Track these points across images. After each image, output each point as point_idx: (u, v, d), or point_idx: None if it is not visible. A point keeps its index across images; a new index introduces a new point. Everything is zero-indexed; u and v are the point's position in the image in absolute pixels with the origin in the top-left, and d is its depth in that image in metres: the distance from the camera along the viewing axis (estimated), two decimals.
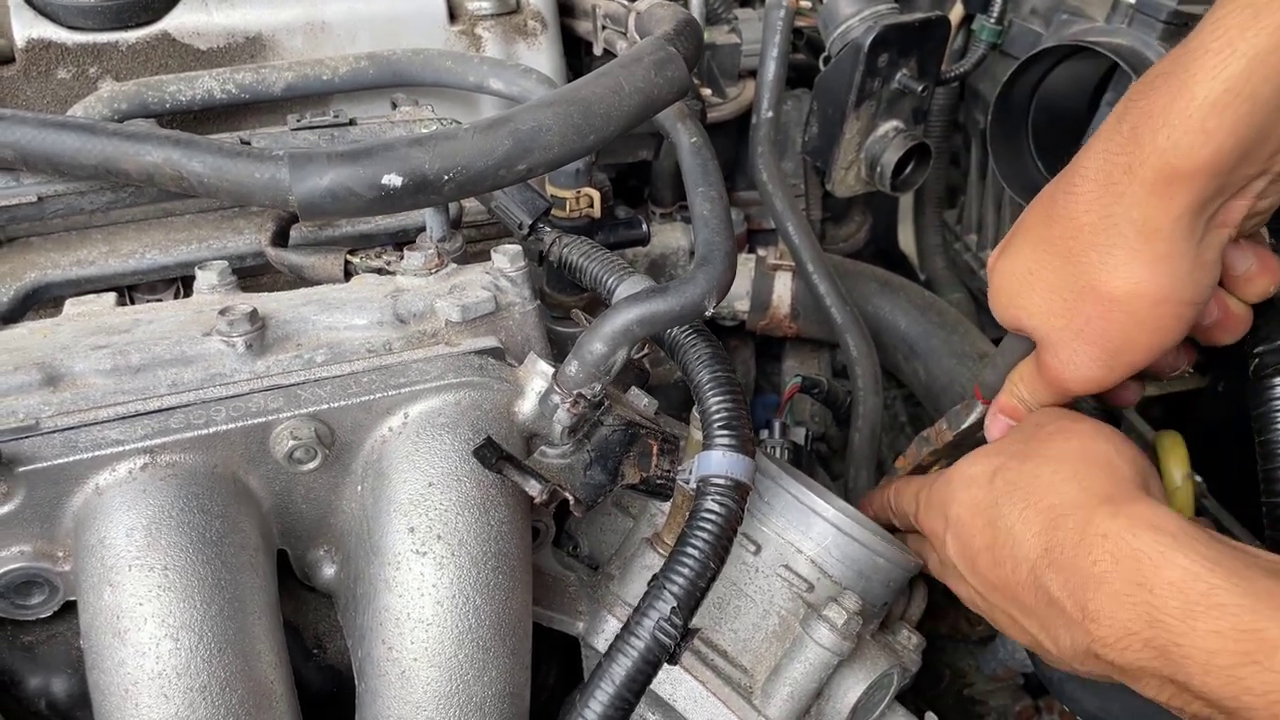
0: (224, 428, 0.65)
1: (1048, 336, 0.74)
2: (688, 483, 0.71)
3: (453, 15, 1.14)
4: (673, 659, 0.66)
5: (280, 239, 0.89)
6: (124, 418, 0.65)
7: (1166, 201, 0.64)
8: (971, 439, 0.90)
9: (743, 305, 1.31)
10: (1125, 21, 1.10)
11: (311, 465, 0.68)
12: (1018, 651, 1.26)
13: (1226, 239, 0.68)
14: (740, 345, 1.41)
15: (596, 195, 0.97)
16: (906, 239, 1.72)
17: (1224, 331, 0.76)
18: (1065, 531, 0.67)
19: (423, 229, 0.85)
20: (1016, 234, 0.76)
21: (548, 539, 0.83)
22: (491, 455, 0.67)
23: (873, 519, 0.86)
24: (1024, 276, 0.74)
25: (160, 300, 0.92)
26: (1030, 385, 0.80)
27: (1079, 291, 0.70)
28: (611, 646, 0.67)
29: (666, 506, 0.83)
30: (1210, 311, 0.74)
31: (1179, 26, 1.06)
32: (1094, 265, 0.68)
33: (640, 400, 0.82)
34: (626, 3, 1.10)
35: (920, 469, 0.96)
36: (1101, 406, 1.07)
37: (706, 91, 1.28)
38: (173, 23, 1.06)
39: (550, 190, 0.97)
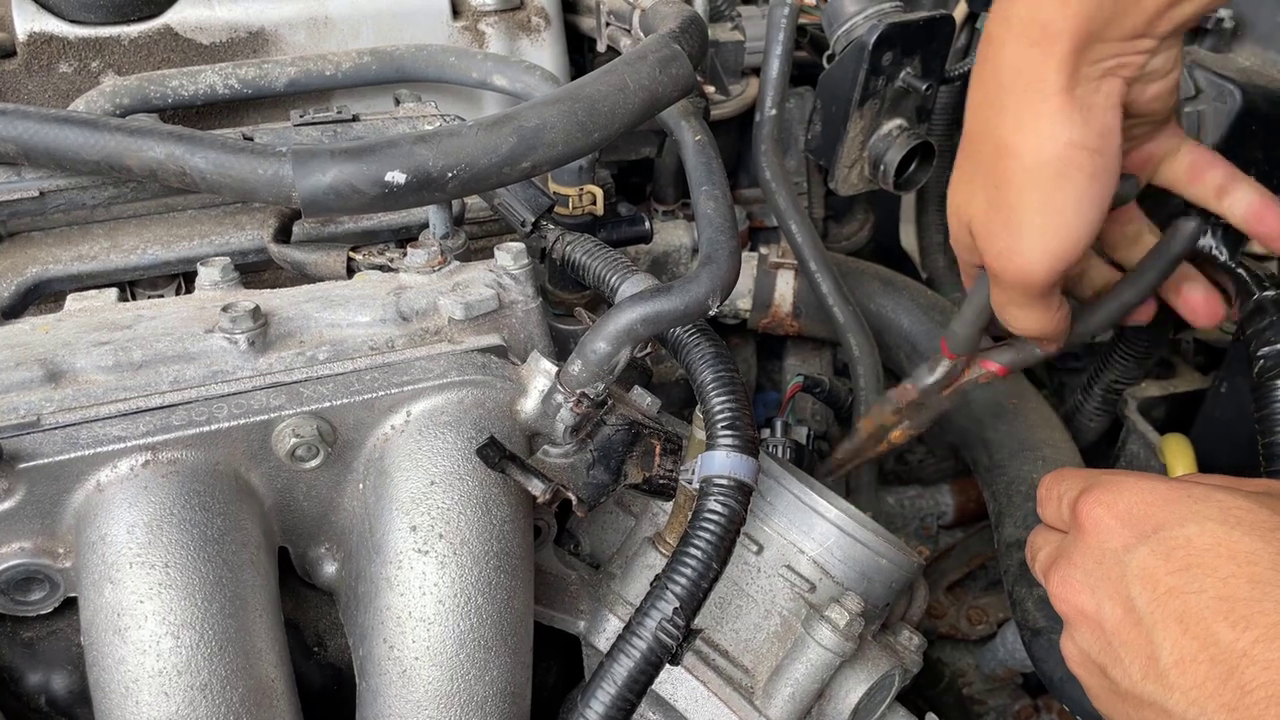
0: (226, 425, 0.65)
1: (974, 220, 0.73)
2: (690, 482, 0.71)
3: (456, 11, 1.14)
4: (675, 659, 0.66)
5: (283, 235, 0.89)
6: (126, 414, 0.65)
7: (1044, 51, 0.66)
8: (935, 398, 0.87)
9: (745, 303, 1.31)
10: None
11: (313, 463, 0.68)
12: (1017, 651, 1.26)
13: (1120, 90, 0.68)
14: (742, 343, 1.41)
15: (599, 193, 0.97)
16: (909, 237, 1.72)
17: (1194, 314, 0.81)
18: None
19: (426, 226, 0.85)
20: None
21: (549, 537, 0.83)
22: (494, 454, 0.67)
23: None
24: (957, 174, 0.75)
25: (162, 296, 0.91)
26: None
27: (986, 158, 0.70)
28: (613, 646, 0.66)
29: (669, 506, 0.83)
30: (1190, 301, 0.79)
31: None
32: (993, 125, 0.69)
33: (643, 399, 0.82)
34: None
35: (881, 430, 0.93)
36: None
37: (710, 89, 1.27)
38: (175, 17, 1.05)
39: (553, 187, 0.96)
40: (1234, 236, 0.89)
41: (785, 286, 1.30)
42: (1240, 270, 0.89)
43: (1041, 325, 0.77)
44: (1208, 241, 0.90)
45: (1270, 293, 0.87)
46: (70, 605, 0.66)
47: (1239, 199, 0.78)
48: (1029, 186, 0.68)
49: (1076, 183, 0.67)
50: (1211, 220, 0.84)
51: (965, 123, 0.74)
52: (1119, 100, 0.68)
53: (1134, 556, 0.61)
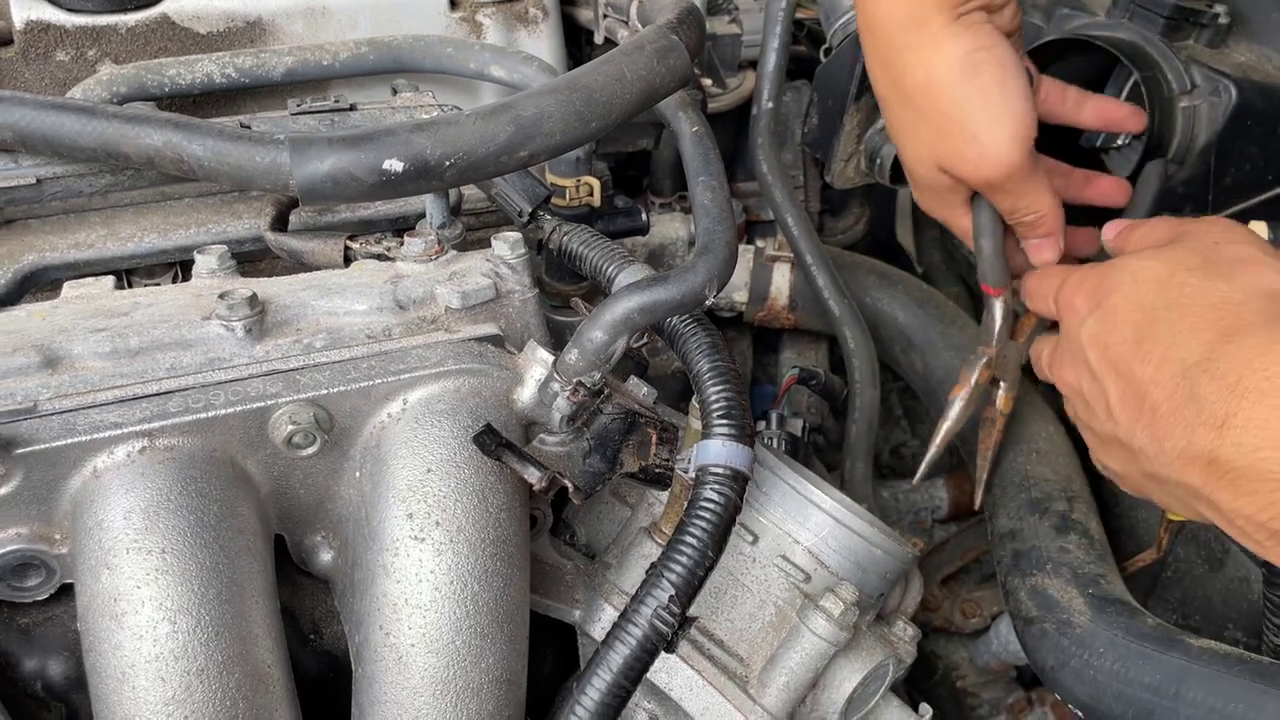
0: (222, 412, 0.65)
1: (940, 155, 0.82)
2: (686, 472, 0.72)
3: (453, 2, 1.14)
4: (670, 647, 0.67)
5: (280, 224, 0.89)
6: (122, 401, 0.65)
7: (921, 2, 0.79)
8: (1014, 348, 0.94)
9: (741, 296, 1.31)
10: (1126, 16, 1.10)
11: (310, 450, 0.68)
12: (1011, 644, 1.26)
13: (985, 16, 0.80)
14: (738, 336, 1.41)
15: (596, 184, 0.97)
16: (905, 232, 1.72)
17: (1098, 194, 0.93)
18: (1241, 347, 0.66)
19: (423, 215, 0.85)
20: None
21: (545, 527, 0.83)
22: (490, 442, 0.67)
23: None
24: (900, 136, 0.85)
25: (159, 285, 0.91)
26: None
27: (915, 103, 0.81)
28: (609, 634, 0.67)
29: (664, 496, 0.83)
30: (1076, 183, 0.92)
31: (1180, 21, 1.06)
32: (904, 75, 0.81)
33: (639, 389, 0.82)
34: None
35: (977, 387, 0.96)
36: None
37: (707, 82, 1.28)
38: (172, 6, 1.05)
39: (550, 178, 0.97)
40: None
41: (781, 280, 1.30)
42: None
43: (1049, 199, 0.86)
44: None
45: None
46: (67, 591, 0.66)
47: (1089, 108, 0.94)
48: (962, 94, 0.79)
49: (993, 69, 0.79)
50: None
51: (876, 90, 0.86)
52: (988, 22, 0.81)
53: (1085, 328, 0.76)
